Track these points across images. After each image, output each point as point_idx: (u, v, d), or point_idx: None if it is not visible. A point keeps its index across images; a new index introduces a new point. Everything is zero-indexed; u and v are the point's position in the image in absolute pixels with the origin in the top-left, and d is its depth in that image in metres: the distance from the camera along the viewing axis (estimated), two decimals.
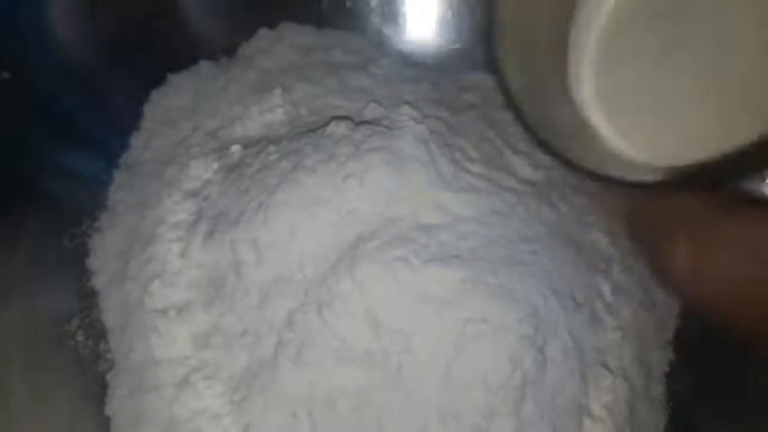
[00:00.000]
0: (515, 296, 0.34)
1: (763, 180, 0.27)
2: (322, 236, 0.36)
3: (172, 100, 0.46)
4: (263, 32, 0.48)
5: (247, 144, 0.42)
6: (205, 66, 0.47)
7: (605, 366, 0.38)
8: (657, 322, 0.41)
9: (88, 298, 0.41)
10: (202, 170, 0.41)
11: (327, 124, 0.41)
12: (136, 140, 0.45)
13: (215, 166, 0.41)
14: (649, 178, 0.26)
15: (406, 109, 0.42)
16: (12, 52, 0.40)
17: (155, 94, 0.46)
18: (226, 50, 0.48)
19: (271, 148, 0.40)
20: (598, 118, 0.29)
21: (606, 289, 0.39)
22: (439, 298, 0.34)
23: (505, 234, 0.36)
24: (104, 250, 0.42)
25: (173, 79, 0.46)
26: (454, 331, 0.34)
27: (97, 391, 0.39)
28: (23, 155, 0.41)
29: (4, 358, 0.37)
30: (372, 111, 0.43)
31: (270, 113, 0.43)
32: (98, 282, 0.42)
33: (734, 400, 0.39)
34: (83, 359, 0.40)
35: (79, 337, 0.40)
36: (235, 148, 0.41)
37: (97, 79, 0.44)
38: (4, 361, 0.37)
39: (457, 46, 0.50)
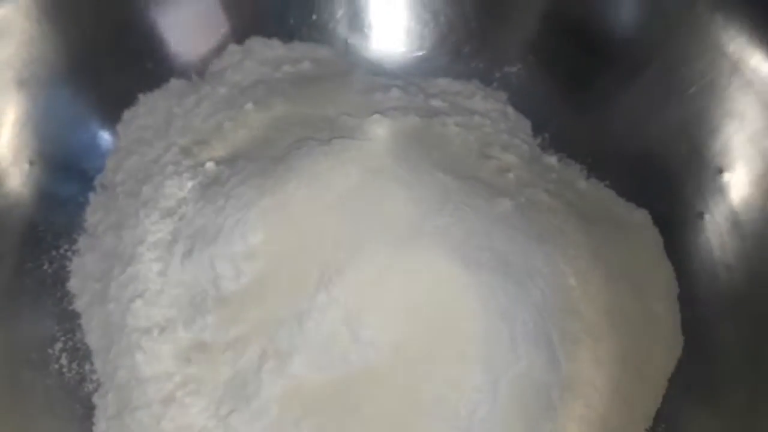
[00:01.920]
0: (488, 307, 0.35)
1: None
2: (299, 249, 0.37)
3: (144, 119, 0.46)
4: (232, 47, 0.49)
5: (221, 161, 0.42)
6: (175, 84, 0.48)
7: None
8: None
9: (70, 320, 0.42)
10: (177, 189, 0.42)
11: (300, 137, 0.41)
12: (111, 161, 0.46)
13: (189, 184, 0.42)
14: None
15: (376, 118, 0.43)
16: None
17: (127, 114, 0.47)
18: (196, 68, 0.48)
19: (245, 163, 0.41)
20: None
21: None
22: (413, 308, 0.35)
23: (480, 243, 0.37)
24: (84, 272, 0.42)
25: (144, 98, 0.47)
26: (427, 340, 0.35)
27: (84, 412, 0.39)
28: None
29: None
30: (344, 121, 0.44)
31: (243, 128, 0.44)
32: (80, 304, 0.42)
33: None
34: (68, 382, 0.40)
35: (63, 360, 0.40)
36: (210, 165, 0.42)
37: (68, 100, 0.45)
38: None
39: (422, 52, 0.51)
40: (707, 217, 0.42)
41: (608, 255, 0.42)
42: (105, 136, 0.46)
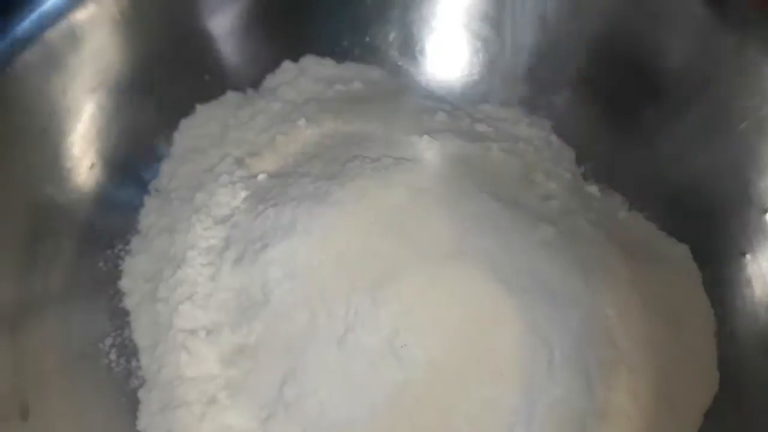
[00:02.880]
0: (528, 330, 0.36)
1: None
2: (344, 264, 0.38)
3: (200, 129, 0.48)
4: (287, 65, 0.51)
5: (273, 174, 0.44)
6: (232, 96, 0.50)
7: None
8: None
9: (121, 317, 0.43)
10: (230, 198, 0.43)
11: (350, 155, 0.43)
12: (166, 167, 0.48)
13: (242, 194, 0.43)
14: None
15: (425, 139, 0.44)
16: (50, 86, 0.42)
17: (184, 123, 0.49)
18: (251, 82, 0.50)
19: (296, 178, 0.43)
20: None
21: None
22: (453, 327, 0.36)
23: (521, 267, 0.38)
24: (136, 272, 0.44)
25: (202, 108, 0.49)
26: (465, 359, 0.36)
27: (129, 406, 0.41)
28: (58, 181, 0.43)
29: (41, 374, 0.39)
30: (392, 141, 0.45)
31: (295, 143, 0.45)
32: (130, 303, 0.44)
33: None
34: (116, 376, 0.41)
35: (112, 355, 0.42)
36: (262, 177, 0.43)
37: (130, 108, 0.47)
38: (42, 377, 0.39)
39: (470, 78, 0.53)
40: (749, 256, 0.42)
41: (647, 287, 0.42)
42: (162, 143, 0.48)
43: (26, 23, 0.41)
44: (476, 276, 0.37)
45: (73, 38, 0.43)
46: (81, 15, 0.42)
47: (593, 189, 0.48)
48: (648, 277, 0.43)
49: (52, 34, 0.42)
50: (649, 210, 0.46)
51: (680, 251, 0.45)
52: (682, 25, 0.44)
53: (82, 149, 0.44)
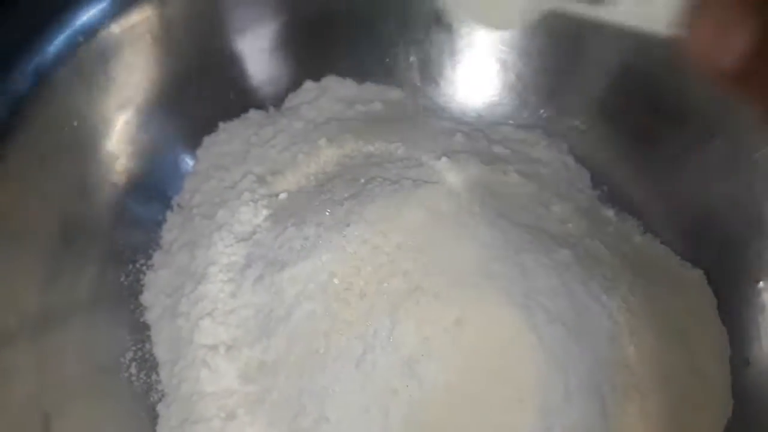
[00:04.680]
0: (545, 354, 0.37)
1: None
2: (363, 285, 0.39)
3: (223, 146, 0.49)
4: (308, 84, 0.52)
5: (294, 192, 0.45)
6: (254, 115, 0.50)
7: None
8: None
9: (141, 332, 0.44)
10: (252, 215, 0.44)
11: (369, 175, 0.44)
12: (189, 183, 0.48)
13: (264, 212, 0.44)
14: None
15: (444, 162, 0.45)
16: (79, 103, 0.44)
17: (207, 140, 0.49)
18: (273, 100, 0.51)
19: (317, 197, 0.43)
20: None
21: None
22: (471, 351, 0.37)
23: (539, 291, 0.39)
24: (157, 287, 0.45)
25: (225, 126, 0.50)
26: (483, 383, 0.36)
27: (148, 420, 0.41)
28: (83, 197, 0.44)
29: (63, 385, 0.40)
30: (411, 162, 0.46)
31: (316, 162, 0.46)
32: (151, 317, 0.44)
33: None
34: (136, 390, 0.42)
35: (133, 369, 0.43)
36: (283, 196, 0.44)
37: (155, 124, 0.48)
38: (64, 389, 0.40)
39: (489, 100, 0.53)
40: (763, 283, 0.42)
41: (661, 311, 0.43)
42: (185, 160, 0.49)
43: (58, 41, 0.42)
44: (494, 300, 0.38)
45: (104, 57, 0.44)
46: (112, 35, 0.44)
47: (608, 212, 0.48)
48: (662, 301, 0.43)
49: (83, 53, 0.43)
50: (665, 235, 0.47)
51: (695, 276, 0.45)
52: None
53: (109, 165, 0.45)
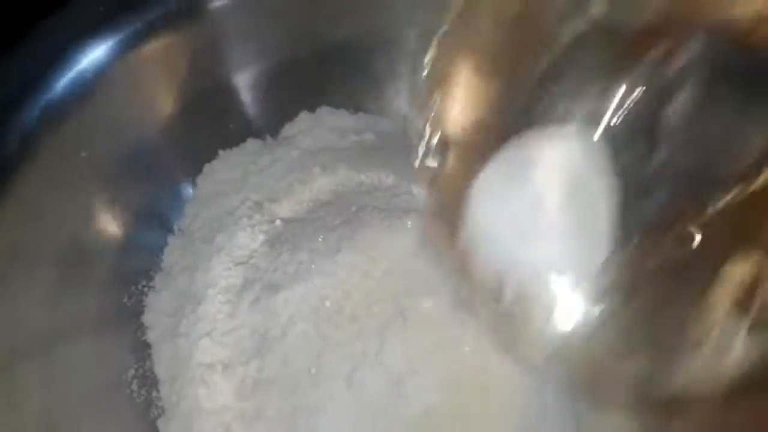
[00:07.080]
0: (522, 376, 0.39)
1: None
2: (353, 310, 0.42)
3: (222, 173, 0.52)
4: (304, 115, 0.55)
5: (290, 219, 0.47)
6: (252, 144, 0.53)
7: None
8: None
9: (143, 350, 0.46)
10: (249, 240, 0.47)
11: (360, 204, 0.46)
12: (190, 209, 0.51)
13: (261, 237, 0.46)
14: None
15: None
16: (87, 135, 0.46)
17: (207, 168, 0.52)
18: (270, 130, 0.54)
19: (311, 224, 0.46)
20: None
21: None
22: (452, 373, 0.39)
23: None
24: (158, 308, 0.47)
25: (224, 155, 0.53)
26: (462, 404, 0.39)
27: None
28: (89, 222, 0.47)
29: (69, 401, 0.42)
30: (400, 190, 0.49)
31: (310, 190, 0.49)
32: (152, 336, 0.47)
33: None
34: (137, 406, 0.44)
35: (134, 386, 0.45)
36: (279, 223, 0.47)
37: (158, 153, 0.50)
38: (69, 403, 0.42)
39: None
40: None
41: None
42: (186, 186, 0.52)
43: (66, 78, 0.44)
44: (475, 327, 0.40)
45: (110, 92, 0.46)
46: (118, 71, 0.46)
47: None
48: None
49: (90, 89, 0.45)
50: None
51: None
52: None
53: (114, 192, 0.48)
